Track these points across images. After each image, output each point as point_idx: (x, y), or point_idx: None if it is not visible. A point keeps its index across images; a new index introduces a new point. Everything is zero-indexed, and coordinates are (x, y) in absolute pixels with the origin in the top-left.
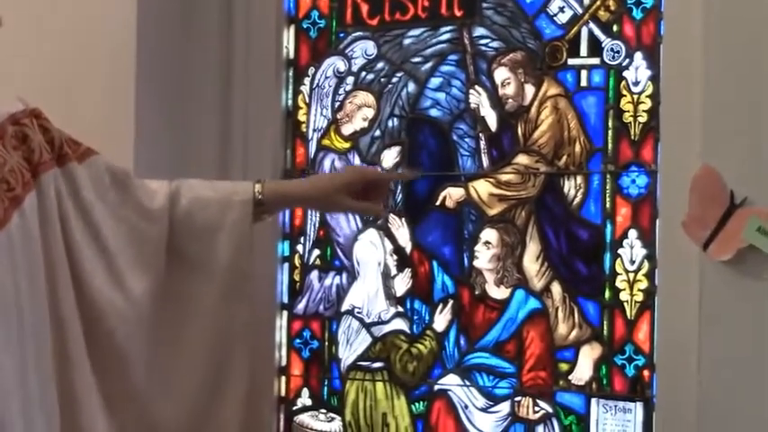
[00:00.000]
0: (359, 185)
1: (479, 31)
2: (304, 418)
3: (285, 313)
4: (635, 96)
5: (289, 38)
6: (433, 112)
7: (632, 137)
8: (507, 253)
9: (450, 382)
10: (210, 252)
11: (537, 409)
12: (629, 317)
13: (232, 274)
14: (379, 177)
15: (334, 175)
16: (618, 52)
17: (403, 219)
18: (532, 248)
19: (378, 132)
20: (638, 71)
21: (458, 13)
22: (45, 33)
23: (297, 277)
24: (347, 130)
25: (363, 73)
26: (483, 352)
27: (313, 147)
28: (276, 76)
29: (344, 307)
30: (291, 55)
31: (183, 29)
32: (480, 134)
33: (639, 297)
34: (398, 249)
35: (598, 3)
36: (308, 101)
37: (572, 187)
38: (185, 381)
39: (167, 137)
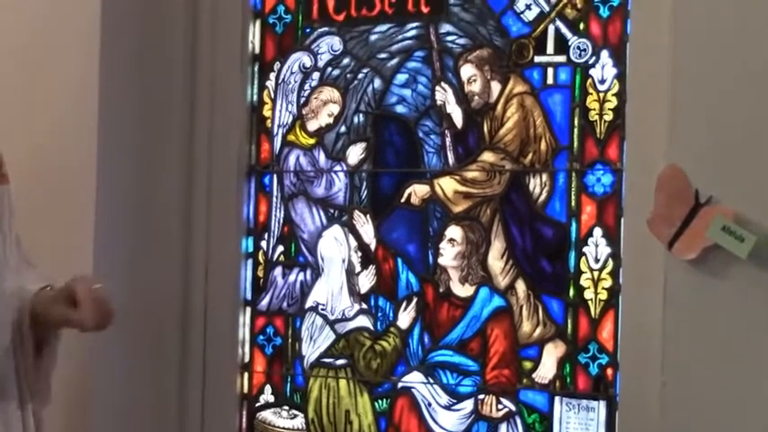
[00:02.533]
0: (65, 294)
1: (446, 27)
2: (267, 414)
3: (248, 309)
4: (601, 95)
5: (254, 32)
6: (399, 109)
7: (598, 135)
8: (472, 250)
9: (414, 379)
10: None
11: (500, 407)
12: (593, 315)
13: None
14: (77, 291)
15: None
16: (584, 50)
17: (368, 215)
18: (497, 246)
19: (343, 128)
20: (605, 69)
21: (424, 10)
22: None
23: (261, 273)
24: (312, 125)
25: (329, 69)
26: (447, 349)
27: (278, 142)
28: (241, 70)
29: (308, 303)
30: (257, 50)
31: (148, 23)
32: (446, 131)
33: (604, 295)
34: (363, 246)
35: (565, 1)
36: (273, 96)
37: (537, 185)
38: None
39: (132, 130)
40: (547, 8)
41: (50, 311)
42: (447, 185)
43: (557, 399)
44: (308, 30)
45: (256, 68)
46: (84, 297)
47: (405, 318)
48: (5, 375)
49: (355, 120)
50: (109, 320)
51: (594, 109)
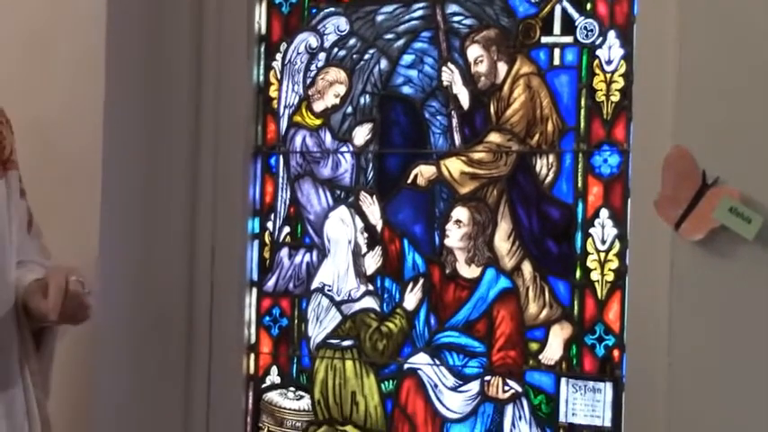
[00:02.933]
0: (43, 285)
1: (452, 7)
2: (273, 395)
3: (255, 291)
4: (608, 75)
5: (260, 13)
6: (406, 90)
7: (605, 116)
8: (478, 231)
9: (420, 360)
10: None
11: (507, 388)
12: (599, 297)
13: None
14: (48, 283)
15: None
16: (591, 31)
17: (374, 196)
18: (504, 227)
19: (349, 109)
20: (612, 50)
21: None
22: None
23: (267, 254)
24: (319, 106)
25: (335, 49)
26: (453, 331)
27: (284, 123)
28: (247, 51)
29: (314, 284)
30: (263, 30)
31: (153, 4)
32: (452, 112)
33: (610, 277)
34: (369, 227)
35: None
36: (279, 77)
37: (544, 166)
38: None
39: (138, 112)
40: None
41: (29, 303)
42: (453, 166)
43: (563, 380)
44: (314, 10)
45: (263, 49)
46: (54, 288)
47: (411, 299)
48: (10, 364)
49: (361, 100)
50: (80, 313)
51: (601, 90)
